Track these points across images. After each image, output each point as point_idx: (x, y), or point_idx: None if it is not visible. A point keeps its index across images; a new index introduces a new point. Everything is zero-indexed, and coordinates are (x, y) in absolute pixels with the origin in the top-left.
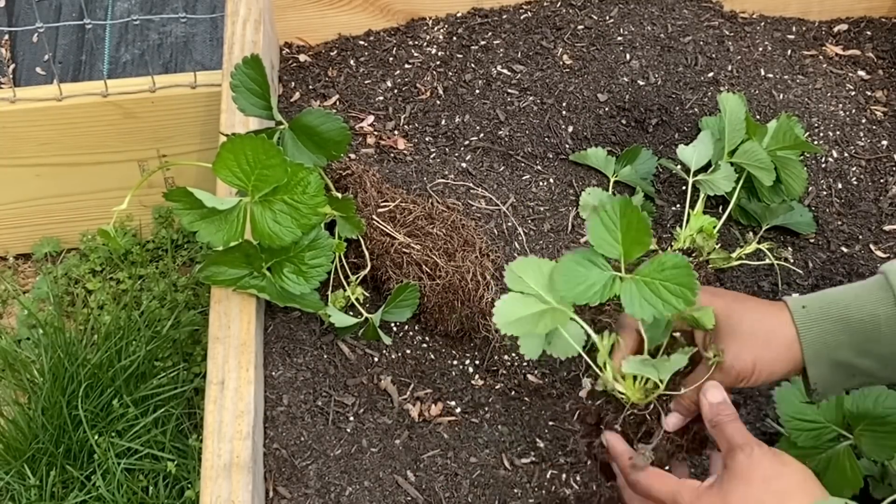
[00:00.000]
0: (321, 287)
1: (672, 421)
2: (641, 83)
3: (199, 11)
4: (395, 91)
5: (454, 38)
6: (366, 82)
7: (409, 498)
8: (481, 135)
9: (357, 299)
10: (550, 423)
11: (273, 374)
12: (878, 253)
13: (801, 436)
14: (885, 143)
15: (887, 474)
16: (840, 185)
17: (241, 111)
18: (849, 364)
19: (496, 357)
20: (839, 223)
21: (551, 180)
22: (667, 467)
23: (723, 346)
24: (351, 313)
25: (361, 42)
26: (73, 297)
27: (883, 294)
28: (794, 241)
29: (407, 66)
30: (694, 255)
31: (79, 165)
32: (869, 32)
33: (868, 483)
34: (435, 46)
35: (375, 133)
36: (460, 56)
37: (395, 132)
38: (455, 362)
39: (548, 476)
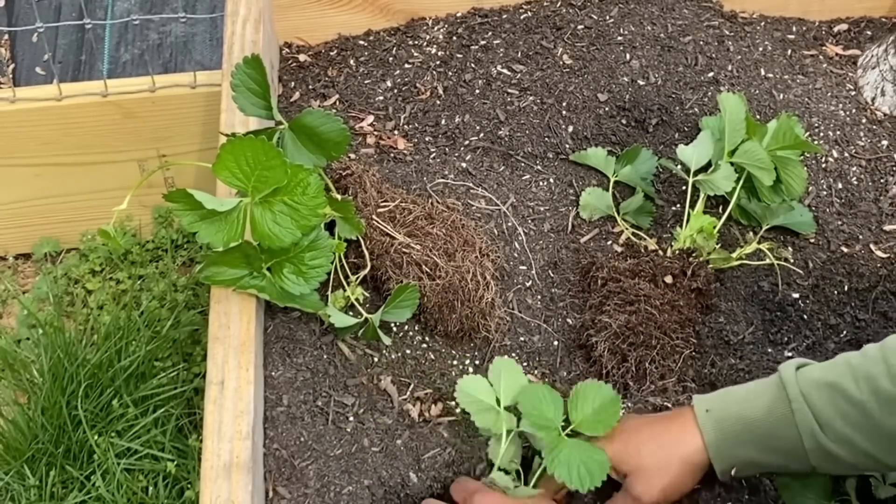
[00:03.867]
0: (321, 287)
1: None
2: (641, 83)
3: (199, 11)
4: (395, 91)
5: (454, 38)
6: (366, 82)
7: (410, 498)
8: (481, 135)
9: (357, 299)
10: None
11: (273, 374)
12: (879, 253)
13: None
14: (885, 143)
15: (889, 474)
16: (840, 185)
17: (241, 111)
18: (754, 462)
19: (496, 357)
20: (839, 223)
21: (551, 180)
22: None
23: (630, 481)
24: (351, 313)
25: (361, 42)
26: (72, 297)
27: (777, 393)
28: (794, 241)
29: (407, 65)
30: (694, 254)
31: (79, 165)
32: (869, 32)
33: (870, 483)
34: (435, 46)
35: (375, 133)
36: (460, 56)
37: (395, 132)
38: (455, 362)
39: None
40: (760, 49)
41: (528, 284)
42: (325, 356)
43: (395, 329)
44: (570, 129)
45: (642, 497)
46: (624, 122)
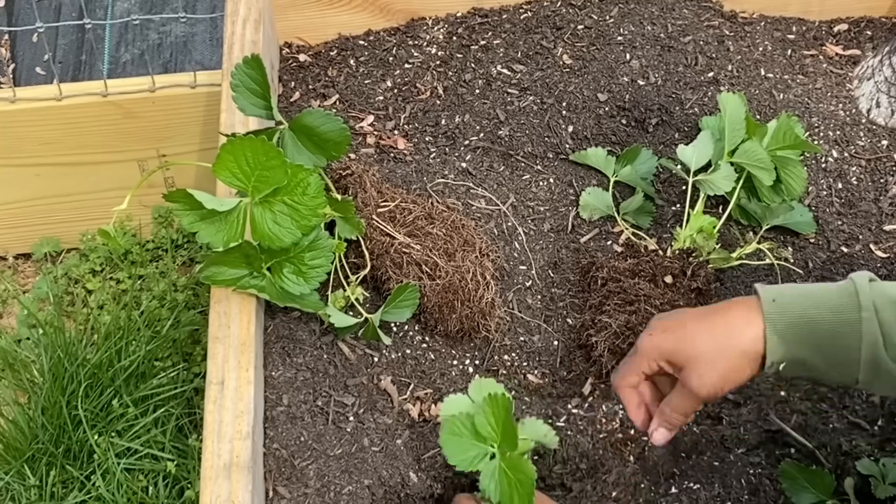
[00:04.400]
0: (321, 287)
1: (658, 437)
2: (641, 83)
3: (199, 11)
4: (395, 91)
5: (454, 38)
6: (366, 82)
7: (410, 498)
8: (481, 134)
9: (357, 299)
10: (550, 422)
11: (273, 374)
12: (879, 253)
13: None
14: (885, 143)
15: (889, 474)
16: (840, 185)
17: (241, 111)
18: (805, 362)
19: (496, 357)
20: (839, 223)
21: (551, 180)
22: None
23: (685, 374)
24: (351, 313)
25: (361, 42)
26: (72, 297)
27: (849, 298)
28: (794, 241)
29: (407, 65)
30: (694, 254)
31: (79, 165)
32: (869, 32)
33: (870, 482)
34: (435, 46)
35: (375, 133)
36: (460, 56)
37: (395, 132)
38: (455, 362)
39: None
40: (760, 49)
41: (528, 284)
42: (325, 356)
43: (395, 329)
44: (570, 129)
45: (699, 391)
46: (624, 122)
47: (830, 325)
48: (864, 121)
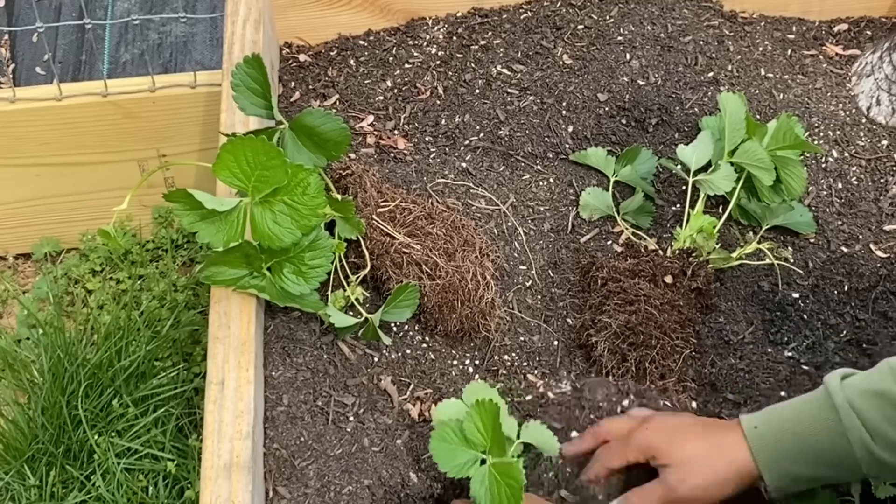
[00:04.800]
0: (321, 287)
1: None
2: (641, 83)
3: (199, 11)
4: (395, 91)
5: (454, 38)
6: (366, 82)
7: (410, 498)
8: (481, 134)
9: (357, 299)
10: (550, 422)
11: (273, 374)
12: (879, 253)
13: None
14: (885, 143)
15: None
16: (840, 185)
17: (242, 111)
18: (805, 476)
19: (496, 357)
20: (839, 223)
21: (551, 180)
22: None
23: (668, 472)
24: (351, 313)
25: (361, 42)
26: (72, 297)
27: (825, 406)
28: (794, 241)
29: (407, 65)
30: (694, 254)
31: (79, 165)
32: (869, 32)
33: (871, 483)
34: (435, 46)
35: (375, 133)
36: (460, 56)
37: (395, 132)
38: (455, 362)
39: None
40: (760, 49)
41: (528, 284)
42: (325, 356)
43: (395, 329)
44: (570, 128)
45: (677, 489)
46: (624, 122)
47: (816, 439)
48: (864, 120)
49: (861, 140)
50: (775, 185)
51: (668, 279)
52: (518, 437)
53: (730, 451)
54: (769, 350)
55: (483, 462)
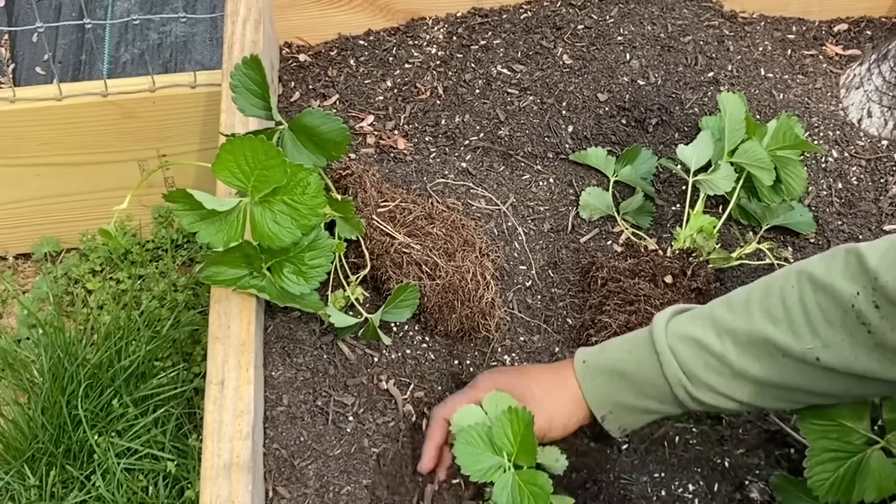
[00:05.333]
0: (321, 287)
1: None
2: (641, 83)
3: (199, 11)
4: (395, 91)
5: (454, 38)
6: (366, 82)
7: (410, 498)
8: (481, 134)
9: (357, 299)
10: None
11: (273, 374)
12: None
13: (824, 441)
14: (885, 143)
15: None
16: (840, 185)
17: (241, 111)
18: (630, 405)
19: (496, 357)
20: (839, 223)
21: (551, 180)
22: None
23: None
24: (351, 313)
25: (361, 42)
26: (72, 297)
27: (648, 345)
28: (794, 241)
29: (407, 65)
30: (694, 254)
31: (79, 165)
32: (869, 32)
33: None
34: (435, 46)
35: (375, 133)
36: (460, 56)
37: (395, 132)
38: (455, 362)
39: None
40: (760, 49)
41: (528, 284)
42: (325, 356)
43: (395, 329)
44: (570, 128)
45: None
46: (624, 121)
47: (639, 375)
48: (861, 125)
49: (861, 140)
50: (775, 185)
51: (668, 279)
52: None
53: (567, 385)
54: None
55: (507, 469)
